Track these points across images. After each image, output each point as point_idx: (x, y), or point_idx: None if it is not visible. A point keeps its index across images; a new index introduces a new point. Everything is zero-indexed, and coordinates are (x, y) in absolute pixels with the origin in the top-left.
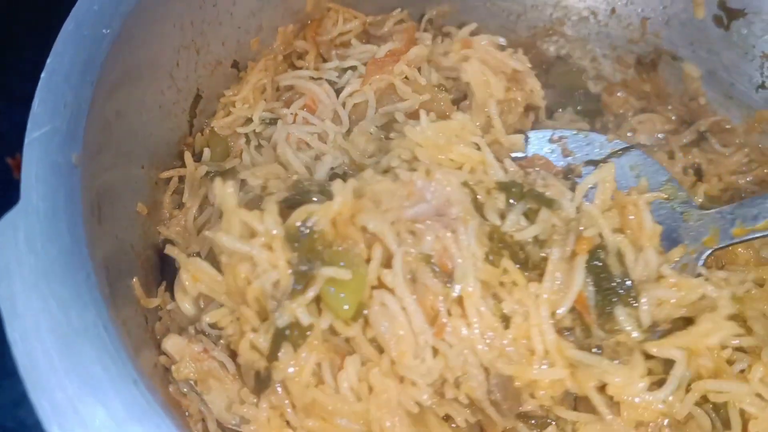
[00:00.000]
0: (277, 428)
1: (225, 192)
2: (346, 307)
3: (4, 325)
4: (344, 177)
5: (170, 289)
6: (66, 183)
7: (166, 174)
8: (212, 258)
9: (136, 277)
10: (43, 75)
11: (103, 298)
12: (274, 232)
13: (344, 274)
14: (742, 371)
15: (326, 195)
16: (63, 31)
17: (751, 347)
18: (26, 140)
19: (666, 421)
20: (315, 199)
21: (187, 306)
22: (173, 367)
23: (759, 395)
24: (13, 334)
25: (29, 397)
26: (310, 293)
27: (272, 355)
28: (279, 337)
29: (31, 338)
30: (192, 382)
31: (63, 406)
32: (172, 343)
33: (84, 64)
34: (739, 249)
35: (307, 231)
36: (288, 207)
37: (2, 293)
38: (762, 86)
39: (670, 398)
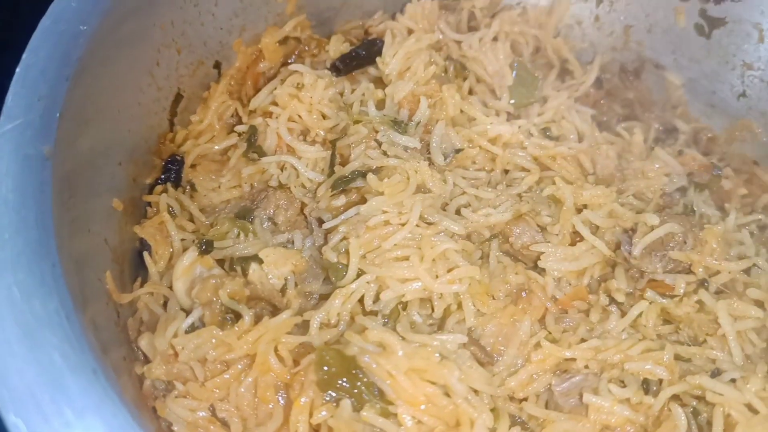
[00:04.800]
0: None
1: None
2: None
3: None
4: None
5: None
6: (36, 175)
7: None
8: None
9: (108, 271)
10: (18, 70)
11: (68, 288)
12: None
13: None
14: (733, 380)
15: None
16: (39, 27)
17: None
18: None
19: (632, 429)
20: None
21: (180, 286)
22: (145, 367)
23: (748, 405)
24: None
25: None
26: None
27: None
28: None
29: None
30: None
31: (20, 392)
32: (146, 342)
33: (60, 60)
34: None
35: None
36: None
37: None
38: (743, 95)
39: (634, 399)
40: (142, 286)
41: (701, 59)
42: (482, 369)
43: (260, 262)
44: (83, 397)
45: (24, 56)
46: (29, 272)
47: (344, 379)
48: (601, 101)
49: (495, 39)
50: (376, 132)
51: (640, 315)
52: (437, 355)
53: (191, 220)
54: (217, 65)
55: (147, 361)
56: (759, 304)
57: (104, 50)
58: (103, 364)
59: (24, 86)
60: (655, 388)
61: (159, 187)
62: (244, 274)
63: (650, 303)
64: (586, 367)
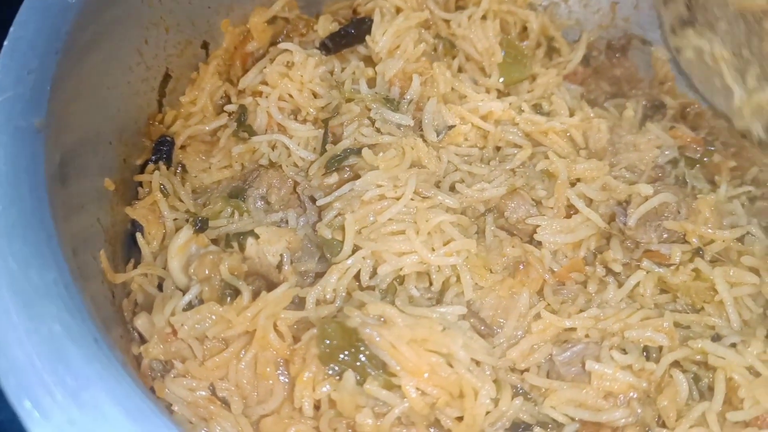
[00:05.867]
0: None
1: None
2: None
3: None
4: None
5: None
6: (28, 148)
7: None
8: None
9: (102, 250)
10: (6, 43)
11: (65, 259)
12: None
13: None
14: (733, 344)
15: None
16: (26, 1)
17: None
18: None
19: (634, 394)
20: None
21: (175, 264)
22: (142, 347)
23: (750, 368)
24: None
25: None
26: None
27: None
28: None
29: None
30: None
31: (21, 362)
32: (142, 322)
33: (49, 33)
34: None
35: None
36: None
37: None
38: None
39: (636, 365)
40: (135, 267)
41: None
42: (483, 340)
43: (257, 237)
44: (86, 366)
45: (12, 30)
46: (25, 242)
47: (346, 353)
48: (588, 79)
49: (484, 17)
50: (369, 110)
51: (637, 285)
52: (439, 325)
53: (182, 200)
54: (205, 45)
55: (143, 341)
56: (754, 270)
57: (93, 25)
58: (105, 334)
59: (13, 59)
60: (655, 355)
61: (151, 166)
62: (241, 249)
63: (647, 272)
64: (587, 336)
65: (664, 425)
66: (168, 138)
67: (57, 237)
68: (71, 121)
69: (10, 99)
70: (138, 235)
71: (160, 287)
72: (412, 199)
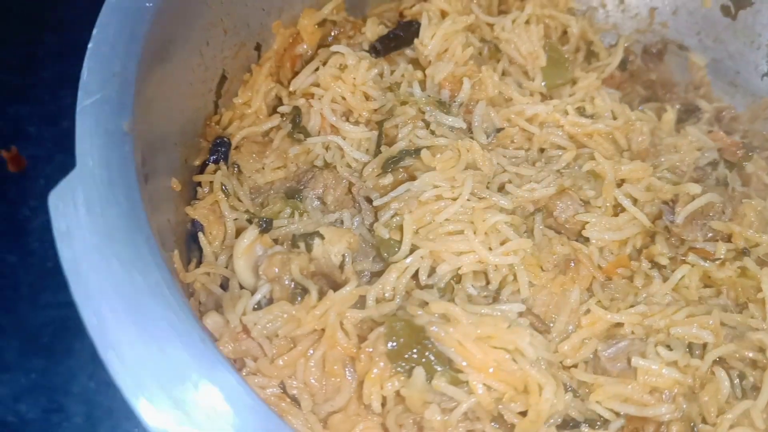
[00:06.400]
0: None
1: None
2: None
3: (69, 285)
4: None
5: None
6: (119, 150)
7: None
8: None
9: (176, 250)
10: (90, 45)
11: (164, 260)
12: None
13: None
14: None
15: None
16: (107, 3)
17: None
18: (78, 108)
19: (678, 392)
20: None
21: (242, 264)
22: None
23: None
24: (77, 294)
25: (99, 354)
26: None
27: None
28: None
29: (97, 298)
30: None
31: (133, 362)
32: (212, 321)
33: (129, 36)
34: None
35: None
36: None
37: (65, 255)
38: (767, 74)
39: (681, 362)
40: (196, 267)
41: (726, 40)
42: (541, 337)
43: (322, 237)
44: (196, 363)
45: (95, 32)
46: (125, 245)
47: (414, 350)
48: (624, 83)
49: (527, 22)
50: (423, 113)
51: (682, 278)
52: (505, 322)
53: (239, 200)
54: (258, 47)
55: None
56: None
57: (164, 27)
58: (207, 333)
59: (98, 61)
60: (698, 352)
61: (212, 166)
62: (308, 249)
63: (692, 266)
64: (632, 333)
65: (704, 421)
66: (226, 139)
67: (153, 238)
68: (147, 123)
69: (99, 101)
70: (200, 234)
71: (221, 287)
72: (468, 200)
